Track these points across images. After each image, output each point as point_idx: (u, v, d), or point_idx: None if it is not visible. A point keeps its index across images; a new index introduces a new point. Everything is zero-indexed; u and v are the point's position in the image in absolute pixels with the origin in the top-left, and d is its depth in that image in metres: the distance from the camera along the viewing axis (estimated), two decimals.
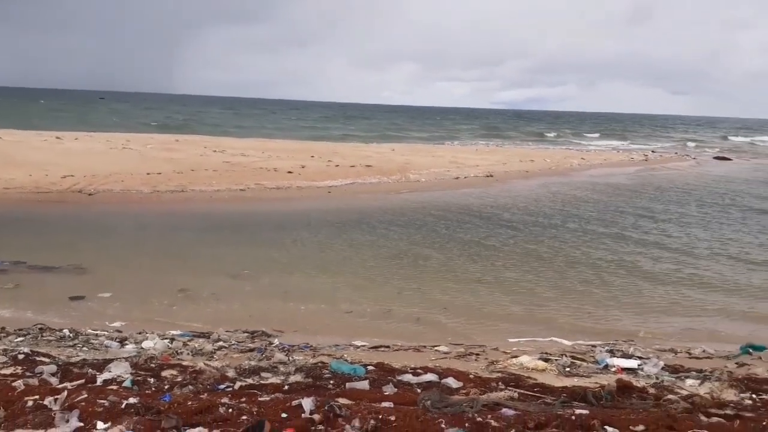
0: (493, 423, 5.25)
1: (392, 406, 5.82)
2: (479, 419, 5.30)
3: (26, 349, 8.23)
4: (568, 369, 8.76)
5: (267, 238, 18.08)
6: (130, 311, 11.42)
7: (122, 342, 9.25)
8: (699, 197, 29.24)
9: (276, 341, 9.61)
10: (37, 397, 5.46)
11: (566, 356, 9.28)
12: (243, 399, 5.73)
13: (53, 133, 40.30)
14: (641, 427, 5.32)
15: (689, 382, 8.09)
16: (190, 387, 6.83)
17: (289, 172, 29.04)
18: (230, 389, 6.80)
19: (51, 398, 5.37)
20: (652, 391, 7.40)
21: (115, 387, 6.38)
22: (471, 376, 8.05)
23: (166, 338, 9.44)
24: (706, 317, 12.30)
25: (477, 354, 9.49)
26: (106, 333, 9.78)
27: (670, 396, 7.09)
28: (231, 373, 7.68)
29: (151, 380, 7.14)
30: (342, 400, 5.87)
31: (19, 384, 5.94)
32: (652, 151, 59.67)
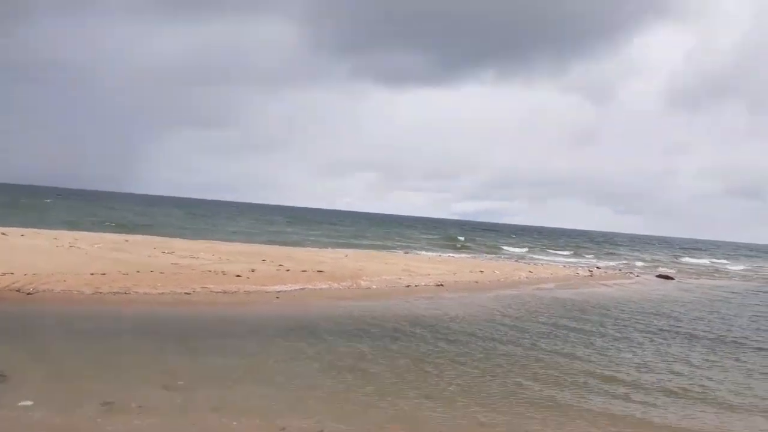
0: None
1: None
2: None
3: None
4: None
5: (207, 345, 17.45)
6: (51, 423, 10.67)
7: None
8: (643, 319, 29.32)
9: None
10: None
11: None
12: None
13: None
14: None
15: None
16: None
17: (238, 275, 28.60)
18: None
19: None
20: None
21: None
22: None
23: None
24: None
25: None
26: None
27: None
28: None
29: None
30: None
31: None
32: (597, 267, 61.33)
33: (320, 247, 53.83)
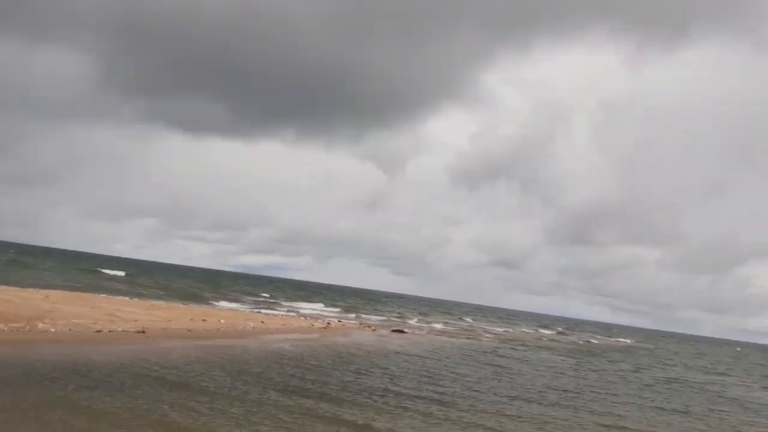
0: None
1: None
2: None
3: None
4: None
5: None
6: None
7: None
8: (360, 368, 28.79)
9: None
10: None
11: None
12: None
13: None
14: None
15: None
16: None
17: None
18: None
19: None
20: None
21: None
22: None
23: None
24: None
25: None
26: None
27: None
28: None
29: None
30: None
31: None
32: (338, 320, 61.85)
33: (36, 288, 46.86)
